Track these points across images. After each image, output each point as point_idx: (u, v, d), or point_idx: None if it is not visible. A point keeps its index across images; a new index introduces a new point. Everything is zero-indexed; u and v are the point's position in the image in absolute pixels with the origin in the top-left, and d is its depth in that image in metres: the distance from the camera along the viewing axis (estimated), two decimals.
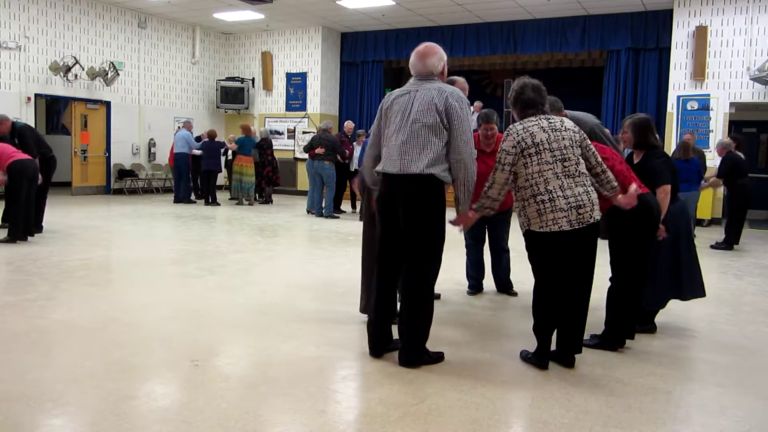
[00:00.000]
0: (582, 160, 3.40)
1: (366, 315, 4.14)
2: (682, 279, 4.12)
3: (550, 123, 3.40)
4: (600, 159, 3.49)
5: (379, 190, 3.53)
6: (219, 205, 12.45)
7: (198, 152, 12.69)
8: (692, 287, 4.18)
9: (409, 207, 3.35)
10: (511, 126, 3.46)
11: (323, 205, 10.89)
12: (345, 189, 11.82)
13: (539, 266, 3.47)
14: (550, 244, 3.38)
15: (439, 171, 3.32)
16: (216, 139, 12.98)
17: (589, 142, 3.50)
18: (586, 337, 3.86)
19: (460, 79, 4.16)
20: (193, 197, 13.12)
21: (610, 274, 3.87)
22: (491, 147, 4.97)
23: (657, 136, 4.20)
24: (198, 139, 13.10)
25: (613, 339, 3.81)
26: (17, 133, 7.61)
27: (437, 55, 3.46)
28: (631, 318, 3.85)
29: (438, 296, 4.94)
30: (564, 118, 3.50)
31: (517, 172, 3.40)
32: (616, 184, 3.49)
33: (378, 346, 3.56)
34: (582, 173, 3.38)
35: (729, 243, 8.50)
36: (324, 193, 10.93)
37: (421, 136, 3.31)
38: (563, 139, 3.35)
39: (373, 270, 3.65)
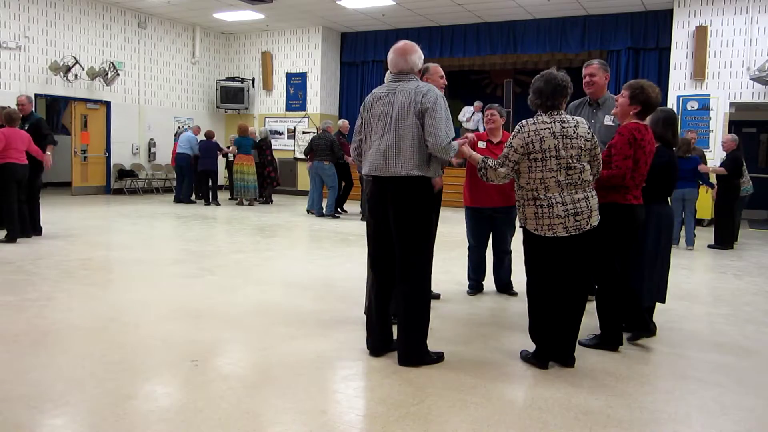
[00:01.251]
0: (588, 167, 3.38)
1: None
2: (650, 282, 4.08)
3: (563, 128, 3.32)
4: (597, 171, 3.48)
5: (370, 191, 3.58)
6: (219, 205, 12.45)
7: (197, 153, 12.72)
8: (659, 293, 4.15)
9: (398, 208, 3.41)
10: (524, 121, 3.38)
11: (323, 205, 10.89)
12: (347, 189, 11.79)
13: (533, 265, 3.48)
14: (545, 247, 3.40)
15: (425, 170, 3.38)
16: (213, 140, 12.95)
17: (599, 151, 3.45)
18: (587, 336, 3.87)
19: (432, 65, 4.19)
20: (193, 197, 13.12)
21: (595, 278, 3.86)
22: (498, 137, 5.13)
23: (674, 132, 4.12)
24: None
25: (611, 339, 3.80)
26: (33, 124, 7.63)
27: (417, 53, 3.50)
28: (618, 319, 3.81)
29: (438, 296, 4.95)
30: (579, 122, 3.39)
31: (520, 171, 3.39)
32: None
33: (378, 345, 3.57)
34: (585, 180, 3.37)
35: (723, 243, 8.49)
36: (324, 194, 10.94)
37: (405, 139, 3.36)
38: (572, 147, 3.31)
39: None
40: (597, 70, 4.48)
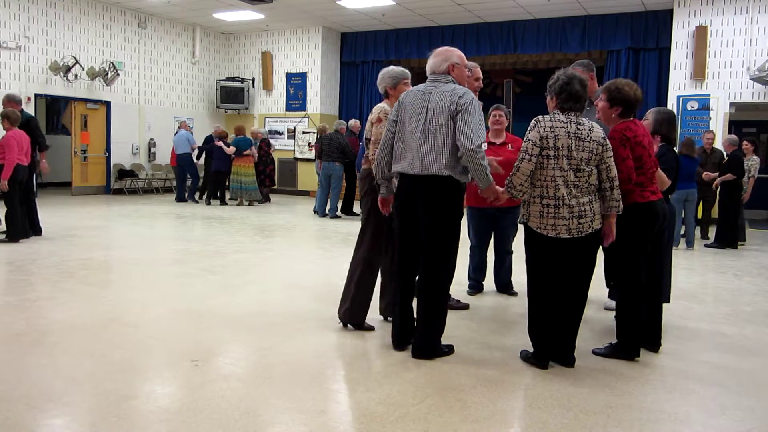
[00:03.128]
0: (595, 171, 3.37)
1: (382, 316, 4.24)
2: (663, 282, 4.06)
3: (578, 129, 3.33)
4: (613, 175, 3.40)
5: (398, 189, 3.61)
6: (227, 204, 12.47)
7: (195, 151, 12.81)
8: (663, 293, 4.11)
9: (428, 206, 3.45)
10: (540, 117, 3.38)
11: (328, 207, 10.92)
12: (355, 190, 11.78)
13: (534, 263, 3.48)
14: (547, 247, 3.39)
15: (455, 172, 3.41)
16: (226, 140, 12.77)
17: (611, 155, 3.41)
18: (601, 345, 3.80)
19: (473, 66, 4.44)
20: (197, 197, 13.12)
21: (612, 282, 3.81)
22: (501, 138, 5.16)
23: (673, 130, 4.25)
24: (208, 139, 13.02)
25: (628, 348, 3.67)
26: (27, 122, 7.62)
27: (443, 56, 3.58)
28: (638, 328, 3.67)
29: (466, 306, 4.91)
30: (595, 125, 3.40)
31: None
32: (619, 203, 3.42)
33: (401, 339, 3.64)
34: (591, 184, 3.36)
35: (726, 242, 8.49)
36: (330, 195, 10.96)
37: (438, 139, 3.40)
38: (584, 150, 3.31)
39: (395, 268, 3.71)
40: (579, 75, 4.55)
